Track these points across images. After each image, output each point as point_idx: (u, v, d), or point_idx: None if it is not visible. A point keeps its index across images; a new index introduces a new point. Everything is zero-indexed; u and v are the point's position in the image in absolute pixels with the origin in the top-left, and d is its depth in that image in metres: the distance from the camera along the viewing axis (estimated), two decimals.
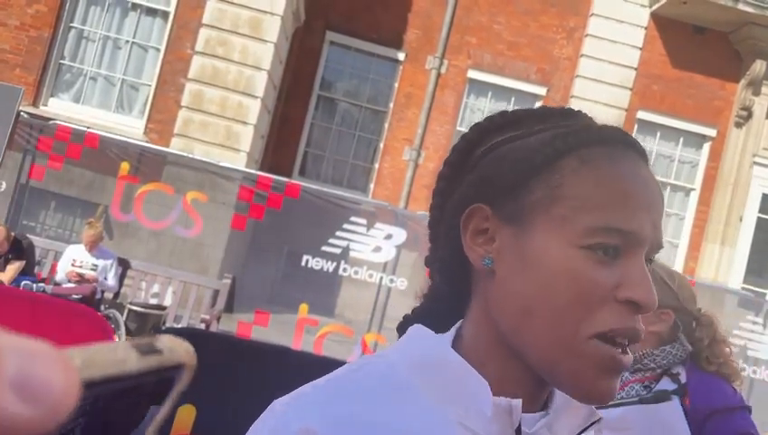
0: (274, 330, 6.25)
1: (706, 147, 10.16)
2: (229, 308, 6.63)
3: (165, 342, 0.22)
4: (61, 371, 0.17)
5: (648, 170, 0.63)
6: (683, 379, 1.73)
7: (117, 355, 0.20)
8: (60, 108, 8.12)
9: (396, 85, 9.89)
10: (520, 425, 0.59)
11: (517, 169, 0.62)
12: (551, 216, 0.60)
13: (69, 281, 5.68)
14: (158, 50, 8.27)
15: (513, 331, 0.61)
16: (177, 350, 0.22)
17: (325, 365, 0.62)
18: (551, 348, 0.58)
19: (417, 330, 0.66)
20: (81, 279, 5.64)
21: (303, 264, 6.63)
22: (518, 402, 0.59)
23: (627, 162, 0.61)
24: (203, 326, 5.56)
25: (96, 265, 5.77)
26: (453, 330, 0.67)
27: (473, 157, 0.66)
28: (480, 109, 9.95)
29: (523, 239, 0.61)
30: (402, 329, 0.72)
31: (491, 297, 0.63)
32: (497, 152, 0.64)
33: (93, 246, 5.81)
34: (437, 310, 0.71)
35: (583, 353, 0.58)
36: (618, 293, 0.58)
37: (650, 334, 1.72)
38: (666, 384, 1.72)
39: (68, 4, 8.20)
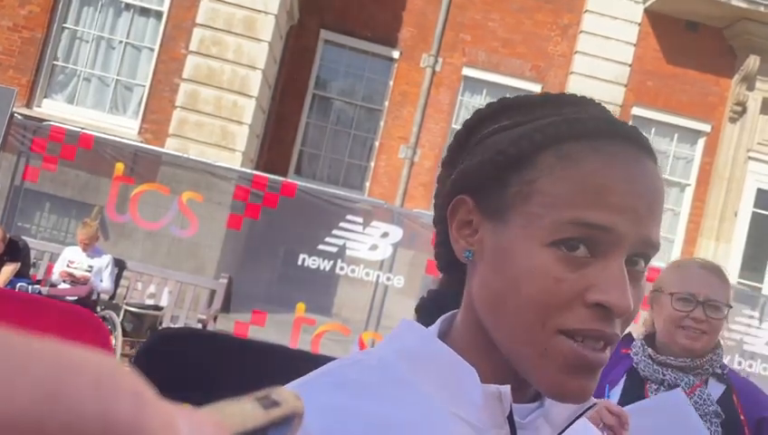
0: (272, 329, 6.25)
1: (701, 142, 10.18)
2: (226, 308, 6.62)
3: (281, 394, 0.23)
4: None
5: (646, 166, 0.58)
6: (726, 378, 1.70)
7: (245, 411, 0.21)
8: (54, 109, 8.09)
9: (391, 83, 9.88)
10: (511, 413, 0.58)
11: (496, 161, 0.60)
12: (523, 212, 0.58)
13: (63, 281, 5.66)
14: (151, 50, 8.24)
15: (488, 325, 0.61)
16: (291, 400, 0.23)
17: (323, 364, 0.62)
18: (518, 343, 0.58)
19: (405, 323, 0.66)
20: (73, 279, 5.61)
21: (300, 263, 6.63)
22: (507, 388, 0.58)
23: (615, 158, 0.57)
24: (200, 326, 5.56)
25: (91, 266, 5.74)
26: (439, 321, 0.67)
27: (469, 144, 0.65)
28: (475, 106, 9.95)
29: (499, 234, 0.59)
30: (419, 310, 0.73)
31: (471, 290, 0.63)
32: (486, 142, 0.63)
33: (88, 247, 5.76)
34: (446, 294, 0.71)
35: (548, 350, 0.56)
36: (586, 295, 0.55)
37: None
38: (715, 386, 1.68)
39: (61, 5, 8.17)
